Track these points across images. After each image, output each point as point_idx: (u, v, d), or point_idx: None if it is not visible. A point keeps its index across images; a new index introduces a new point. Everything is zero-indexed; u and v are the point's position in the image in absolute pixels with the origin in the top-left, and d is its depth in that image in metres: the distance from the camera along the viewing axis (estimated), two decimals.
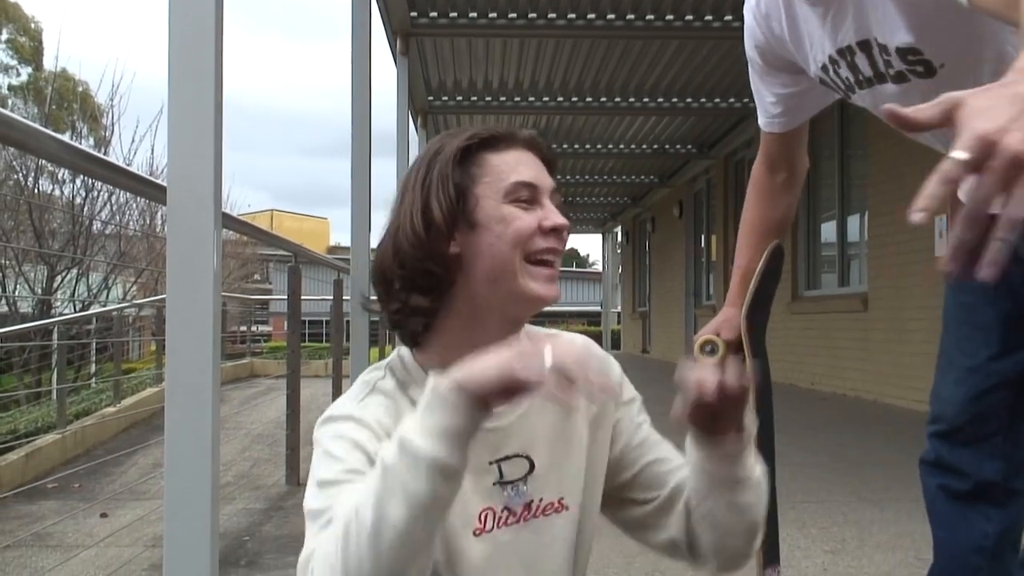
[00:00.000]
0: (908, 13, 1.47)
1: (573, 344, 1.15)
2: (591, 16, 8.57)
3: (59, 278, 14.38)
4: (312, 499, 1.12)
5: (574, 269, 48.54)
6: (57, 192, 15.76)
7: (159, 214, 16.62)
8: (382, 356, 11.36)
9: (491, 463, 1.23)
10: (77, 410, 8.88)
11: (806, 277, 10.77)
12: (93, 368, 12.73)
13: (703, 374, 1.15)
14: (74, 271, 14.57)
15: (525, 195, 1.21)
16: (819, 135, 9.31)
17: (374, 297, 1.32)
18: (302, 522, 3.24)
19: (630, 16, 8.55)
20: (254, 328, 20.59)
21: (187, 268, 1.99)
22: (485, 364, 0.99)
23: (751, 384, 1.23)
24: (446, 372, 1.02)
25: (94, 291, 14.93)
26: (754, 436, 1.25)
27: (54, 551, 4.35)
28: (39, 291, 13.85)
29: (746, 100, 11.41)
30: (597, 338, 23.08)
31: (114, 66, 45.99)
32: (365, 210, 5.39)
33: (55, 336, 9.81)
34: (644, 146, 14.30)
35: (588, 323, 28.79)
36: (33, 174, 15.05)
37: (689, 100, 11.48)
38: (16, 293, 13.84)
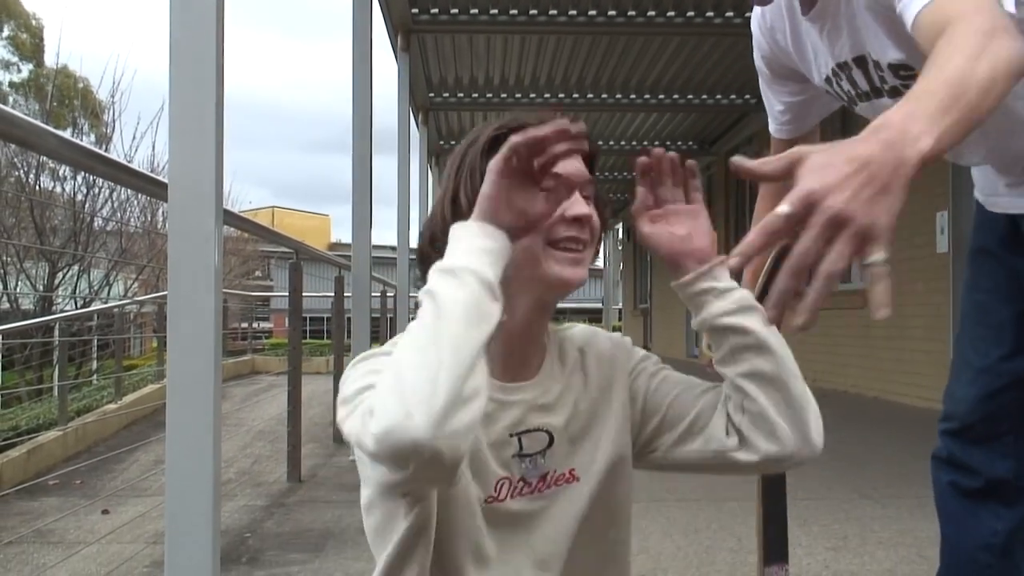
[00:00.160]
0: (893, 31, 1.48)
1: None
2: (592, 13, 8.57)
3: (60, 275, 14.38)
4: (361, 382, 1.12)
5: None
6: (58, 189, 15.77)
7: (160, 211, 16.64)
8: None
9: (511, 435, 1.26)
10: (79, 407, 8.89)
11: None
12: (94, 365, 12.74)
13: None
14: (75, 268, 14.58)
15: (548, 185, 1.21)
16: (821, 134, 9.28)
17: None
18: (303, 518, 3.24)
19: (631, 12, 8.55)
20: (255, 325, 20.61)
21: (188, 265, 1.99)
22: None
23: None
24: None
25: (95, 288, 14.94)
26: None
27: (55, 547, 4.36)
28: (40, 288, 13.86)
29: (747, 97, 11.41)
30: None
31: (115, 63, 45.93)
32: (366, 207, 5.40)
33: (56, 333, 9.81)
34: (645, 143, 14.29)
35: (589, 319, 28.77)
36: (34, 171, 15.05)
37: (690, 97, 11.48)
38: (18, 290, 13.85)
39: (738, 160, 0.95)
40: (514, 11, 8.50)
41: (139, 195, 15.24)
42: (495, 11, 8.50)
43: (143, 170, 4.03)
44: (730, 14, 8.49)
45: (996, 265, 1.78)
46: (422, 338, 1.01)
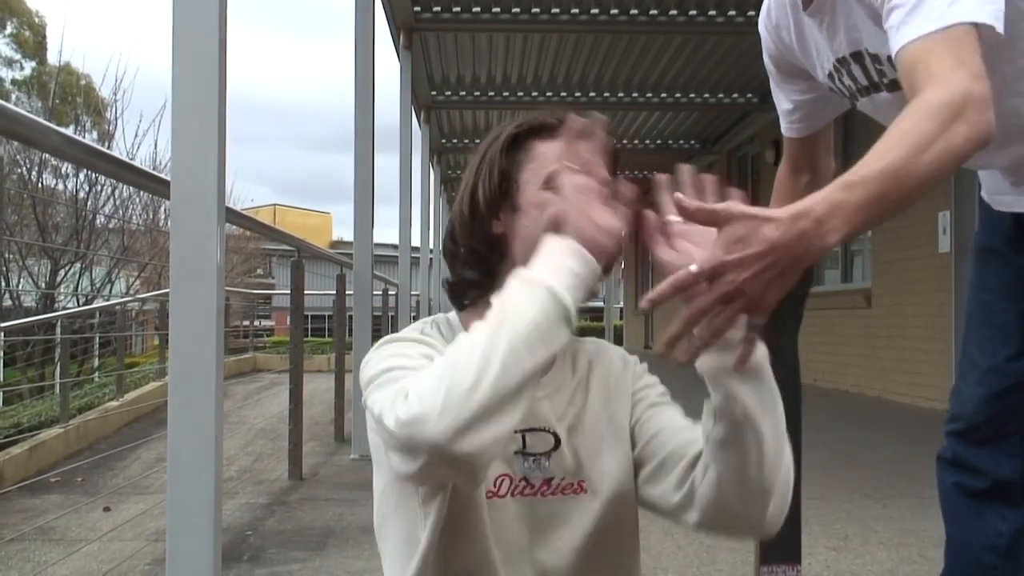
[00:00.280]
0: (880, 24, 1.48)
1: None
2: (594, 11, 8.57)
3: (62, 272, 14.39)
4: (384, 363, 1.16)
5: None
6: (61, 186, 15.78)
7: (162, 208, 16.64)
8: None
9: (516, 431, 1.24)
10: (80, 404, 8.89)
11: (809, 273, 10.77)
12: (96, 362, 12.74)
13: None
14: (77, 265, 14.58)
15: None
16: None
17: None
18: (305, 517, 3.23)
19: (633, 11, 8.55)
20: (257, 323, 20.61)
21: (190, 262, 1.99)
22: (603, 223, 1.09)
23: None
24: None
25: (97, 285, 14.95)
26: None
27: (57, 545, 4.36)
28: (42, 285, 13.87)
29: (749, 95, 11.41)
30: (599, 334, 23.16)
31: (117, 60, 45.90)
32: (368, 205, 5.40)
33: (58, 330, 9.81)
34: (647, 141, 14.30)
35: (590, 319, 28.75)
36: (37, 168, 15.06)
37: (692, 95, 11.48)
38: (20, 287, 13.85)
39: (678, 198, 1.08)
40: (516, 9, 8.50)
41: (141, 192, 15.25)
42: (497, 9, 8.50)
43: (145, 167, 4.02)
44: (732, 13, 8.49)
45: (1003, 264, 1.77)
46: (480, 341, 1.01)
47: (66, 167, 14.91)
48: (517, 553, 1.25)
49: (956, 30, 1.25)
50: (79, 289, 14.48)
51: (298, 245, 5.68)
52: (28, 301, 14.02)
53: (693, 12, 8.55)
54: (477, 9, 8.49)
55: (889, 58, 1.54)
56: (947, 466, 1.83)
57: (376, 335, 8.14)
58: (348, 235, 8.16)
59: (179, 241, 2.00)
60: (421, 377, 1.02)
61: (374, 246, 5.54)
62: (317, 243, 8.14)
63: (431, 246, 12.34)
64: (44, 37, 21.64)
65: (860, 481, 4.65)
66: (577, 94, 11.39)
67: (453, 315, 1.34)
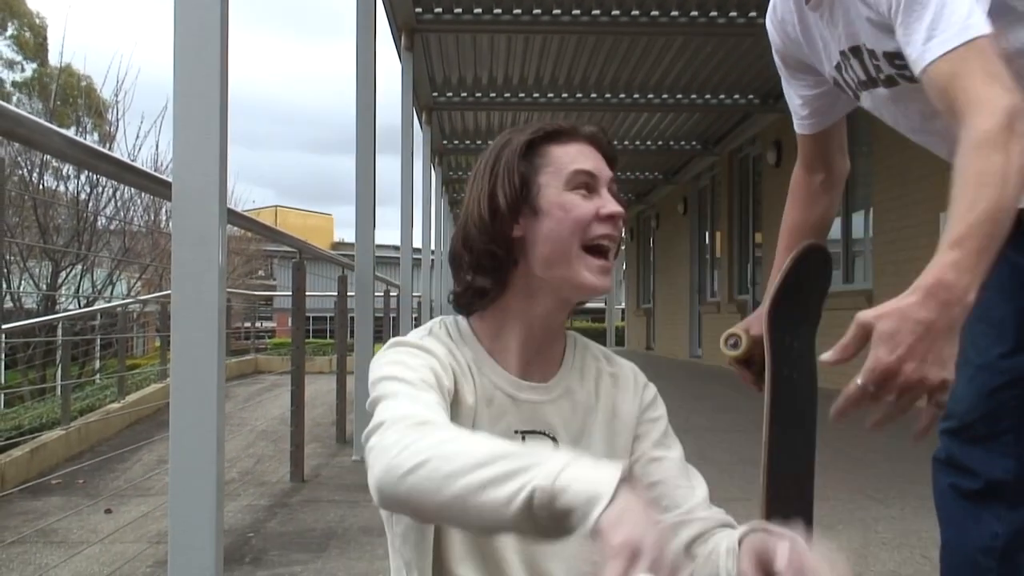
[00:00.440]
0: (882, 25, 1.49)
1: None
2: (596, 12, 8.57)
3: (64, 274, 14.39)
4: (385, 370, 1.20)
5: None
6: (62, 188, 15.78)
7: (164, 210, 16.63)
8: None
9: (516, 432, 1.28)
10: (81, 406, 8.88)
11: None
12: (98, 364, 12.74)
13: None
14: (79, 267, 14.58)
15: (585, 183, 1.28)
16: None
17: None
18: (306, 518, 3.24)
19: (635, 12, 8.55)
20: (258, 324, 20.61)
21: (192, 264, 1.99)
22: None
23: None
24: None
25: (99, 287, 14.95)
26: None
27: (58, 547, 4.36)
28: (43, 287, 13.87)
29: (751, 96, 11.40)
30: (601, 335, 23.10)
31: (119, 61, 45.96)
32: (369, 206, 5.39)
33: (59, 332, 9.81)
34: (648, 143, 14.29)
35: (592, 319, 28.74)
36: (38, 170, 15.06)
37: (694, 96, 11.48)
38: (21, 289, 13.85)
39: (839, 406, 1.19)
40: (517, 10, 8.50)
41: (142, 194, 15.25)
42: (498, 10, 8.50)
43: (147, 169, 4.02)
44: (734, 14, 8.49)
45: (999, 261, 1.77)
46: (464, 469, 0.97)
47: (67, 169, 14.91)
48: (511, 553, 1.25)
49: (980, 42, 1.30)
50: (80, 291, 14.47)
51: (299, 246, 5.68)
52: (29, 303, 14.01)
53: (694, 13, 8.54)
54: (478, 10, 8.49)
55: (886, 54, 1.54)
56: (942, 467, 1.82)
57: (377, 336, 8.14)
58: (349, 236, 8.16)
59: (181, 242, 2.00)
60: (408, 433, 1.04)
61: (376, 247, 5.54)
62: (318, 244, 8.14)
63: (432, 247, 12.35)
64: (45, 39, 21.65)
65: (861, 482, 4.64)
66: (578, 95, 11.40)
67: (463, 321, 1.35)
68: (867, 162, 8.91)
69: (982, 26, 1.30)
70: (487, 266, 1.28)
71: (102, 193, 15.36)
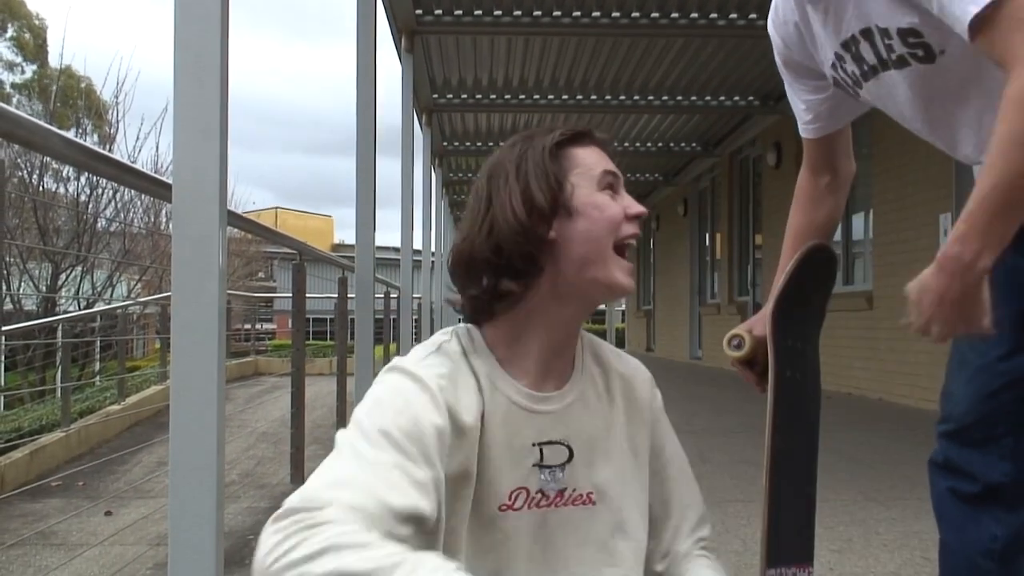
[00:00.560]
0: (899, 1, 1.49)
1: None
2: (596, 14, 8.56)
3: (63, 276, 14.39)
4: (350, 432, 1.18)
5: None
6: (62, 190, 15.78)
7: (164, 212, 16.64)
8: (387, 354, 11.30)
9: (534, 444, 1.28)
10: (81, 408, 8.89)
11: None
12: (97, 366, 12.75)
13: None
14: (79, 269, 14.58)
15: (611, 184, 1.30)
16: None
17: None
18: None
19: (635, 14, 8.54)
20: (258, 326, 20.61)
21: (192, 266, 1.99)
22: None
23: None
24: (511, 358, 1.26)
25: (98, 289, 14.95)
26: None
27: (58, 549, 4.36)
28: (43, 289, 13.87)
29: (751, 98, 11.40)
30: (601, 336, 23.19)
31: (119, 63, 45.95)
32: (370, 208, 5.38)
33: (59, 334, 9.81)
34: (649, 144, 14.29)
35: (592, 321, 28.75)
36: (38, 171, 15.06)
37: (694, 98, 11.47)
38: (21, 291, 13.85)
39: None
40: (518, 12, 8.49)
41: (142, 196, 15.26)
42: (499, 12, 8.49)
43: (147, 171, 4.02)
44: (734, 16, 8.48)
45: (995, 263, 1.76)
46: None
47: (67, 170, 14.92)
48: (525, 561, 1.25)
49: None
50: (80, 293, 14.47)
51: (300, 248, 5.68)
52: (29, 305, 14.01)
53: (694, 15, 8.54)
54: (479, 12, 8.48)
55: (899, 31, 1.53)
56: (939, 470, 1.81)
57: (378, 338, 8.13)
58: (350, 238, 8.16)
59: (181, 244, 1.99)
60: (312, 545, 0.97)
61: (376, 249, 5.53)
62: (319, 246, 8.14)
63: (433, 249, 12.34)
64: (45, 40, 21.68)
65: (862, 483, 4.64)
66: (579, 97, 11.39)
67: (475, 331, 1.33)
68: (867, 164, 8.91)
69: None
70: (520, 269, 1.26)
71: (102, 195, 15.37)
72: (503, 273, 1.26)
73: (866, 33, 1.60)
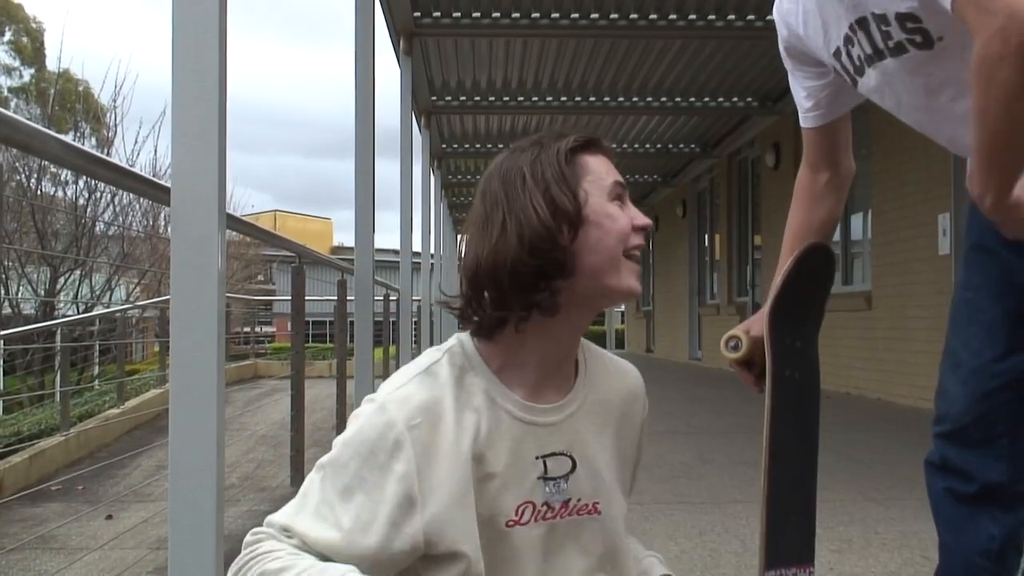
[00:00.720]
0: None
1: None
2: (594, 15, 8.57)
3: (62, 280, 14.38)
4: (316, 479, 1.25)
5: None
6: (60, 194, 15.77)
7: (162, 215, 16.63)
8: (386, 357, 11.28)
9: (537, 458, 1.27)
10: (81, 412, 8.89)
11: None
12: (96, 370, 12.74)
13: None
14: (77, 273, 14.57)
15: (619, 195, 1.29)
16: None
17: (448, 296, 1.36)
18: None
19: (633, 15, 8.55)
20: (258, 329, 20.61)
21: (191, 269, 1.99)
22: None
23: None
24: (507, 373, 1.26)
25: (97, 293, 14.94)
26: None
27: (58, 554, 4.35)
28: (42, 293, 13.85)
29: (749, 99, 11.41)
30: (600, 338, 23.05)
31: (117, 66, 45.93)
32: (369, 210, 5.38)
33: (58, 338, 9.80)
34: (647, 145, 14.29)
35: (592, 322, 28.77)
36: (36, 175, 15.05)
37: (692, 99, 11.48)
38: (19, 295, 13.84)
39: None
40: (516, 14, 8.50)
41: (141, 199, 15.25)
42: (497, 14, 8.50)
43: (145, 174, 4.02)
44: (732, 17, 8.49)
45: (989, 261, 1.76)
46: None
47: (65, 174, 14.91)
48: (533, 573, 1.25)
49: None
50: (79, 296, 14.46)
51: (299, 251, 5.68)
52: (28, 309, 14.00)
53: (692, 16, 8.55)
54: (477, 14, 8.49)
55: (898, 15, 1.54)
56: (936, 471, 1.81)
57: (377, 341, 8.13)
58: (349, 240, 8.16)
59: (180, 247, 1.99)
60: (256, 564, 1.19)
61: (375, 251, 5.53)
62: (318, 249, 8.14)
63: (432, 251, 12.34)
64: (42, 44, 21.67)
65: (862, 483, 4.64)
66: (577, 98, 11.40)
67: (469, 344, 1.29)
68: (866, 164, 8.91)
69: None
70: (550, 274, 1.22)
71: (100, 198, 15.37)
72: (540, 279, 1.22)
73: (862, 23, 1.60)
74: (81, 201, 15.27)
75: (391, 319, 11.00)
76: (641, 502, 4.16)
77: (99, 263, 15.11)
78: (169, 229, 2.19)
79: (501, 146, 1.38)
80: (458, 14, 8.47)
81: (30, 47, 21.54)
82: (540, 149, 1.29)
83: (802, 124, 1.94)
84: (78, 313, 13.62)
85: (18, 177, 14.97)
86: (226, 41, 2.05)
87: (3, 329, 10.30)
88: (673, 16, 8.54)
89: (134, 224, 16.76)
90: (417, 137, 10.70)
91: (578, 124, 12.99)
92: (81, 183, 14.92)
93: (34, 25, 22.05)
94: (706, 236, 16.03)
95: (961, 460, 1.75)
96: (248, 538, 1.23)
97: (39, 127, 2.30)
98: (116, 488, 6.07)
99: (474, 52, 9.70)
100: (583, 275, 1.24)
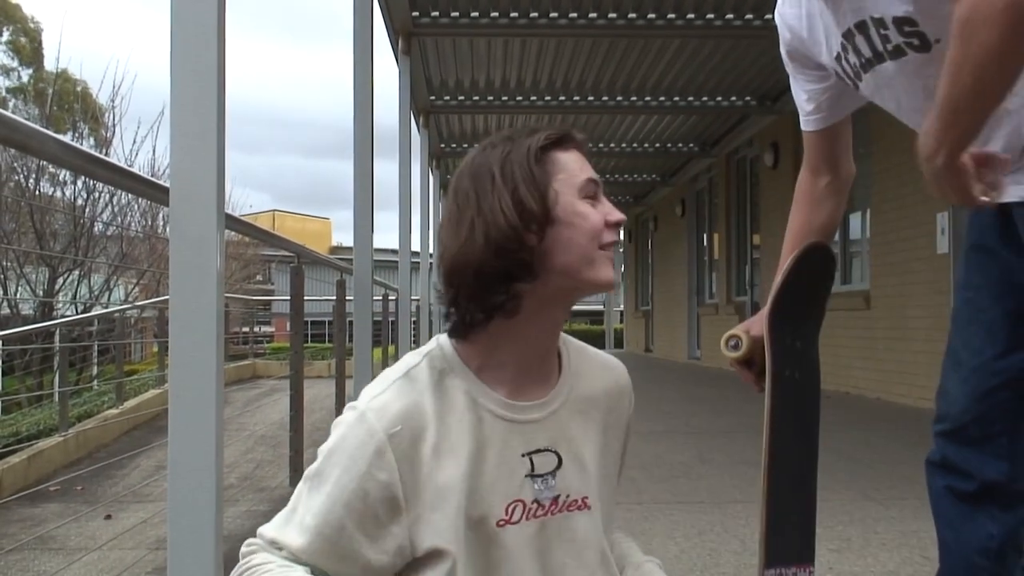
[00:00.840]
0: None
1: None
2: (592, 15, 8.57)
3: (61, 280, 14.37)
4: (304, 491, 1.27)
5: None
6: (58, 194, 15.76)
7: (161, 215, 16.63)
8: (385, 357, 11.28)
9: (523, 455, 1.27)
10: (79, 412, 8.88)
11: None
12: (95, 370, 12.73)
13: None
14: (76, 273, 14.56)
15: (593, 192, 1.28)
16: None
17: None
18: None
19: (632, 15, 8.55)
20: (257, 329, 20.60)
21: (190, 269, 1.98)
22: None
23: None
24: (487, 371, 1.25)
25: (96, 293, 14.93)
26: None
27: (57, 554, 4.35)
28: (40, 293, 13.85)
29: (748, 98, 11.41)
30: (600, 337, 23.07)
31: (115, 66, 45.90)
32: (367, 210, 5.38)
33: (57, 338, 9.80)
34: (646, 145, 14.30)
35: (591, 322, 28.77)
36: (34, 175, 15.04)
37: (691, 99, 11.48)
38: (18, 295, 13.84)
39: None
40: (514, 14, 8.50)
41: (139, 199, 15.25)
42: (495, 14, 8.50)
43: (144, 174, 4.01)
44: (730, 16, 8.49)
45: (990, 261, 1.76)
46: None
47: (64, 174, 14.90)
48: (527, 573, 1.25)
49: None
50: (77, 297, 14.46)
51: (298, 251, 5.67)
52: (26, 309, 13.99)
53: (691, 16, 8.55)
54: (475, 14, 8.49)
55: (895, 19, 1.54)
56: (936, 469, 1.82)
57: (376, 340, 8.13)
58: (348, 240, 8.16)
59: (178, 247, 1.99)
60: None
61: (374, 251, 5.53)
62: (317, 248, 8.13)
63: (431, 251, 12.34)
64: (40, 44, 21.65)
65: (861, 483, 4.64)
66: (576, 98, 11.39)
67: (448, 346, 1.29)
68: (865, 164, 8.90)
69: None
70: (515, 276, 1.22)
71: (99, 198, 15.36)
72: (503, 280, 1.22)
73: (861, 26, 1.61)
74: (79, 201, 15.26)
75: (390, 319, 11.00)
76: (640, 502, 4.17)
77: (98, 263, 15.10)
78: (168, 229, 2.19)
79: (478, 145, 1.36)
80: (456, 14, 8.46)
81: (28, 47, 21.52)
82: (511, 146, 1.27)
83: (803, 127, 1.94)
84: (77, 313, 13.62)
85: (16, 177, 14.97)
86: (225, 41, 2.05)
87: (2, 329, 10.29)
88: (672, 15, 8.54)
89: (132, 224, 16.76)
90: (416, 137, 10.70)
91: (576, 124, 13.03)
92: (79, 183, 14.91)
93: (32, 25, 22.04)
94: (705, 235, 16.03)
95: (961, 459, 1.75)
96: (243, 549, 1.27)
97: (37, 127, 2.30)
98: (115, 488, 6.06)
99: (472, 52, 9.70)
100: (554, 273, 1.24)
